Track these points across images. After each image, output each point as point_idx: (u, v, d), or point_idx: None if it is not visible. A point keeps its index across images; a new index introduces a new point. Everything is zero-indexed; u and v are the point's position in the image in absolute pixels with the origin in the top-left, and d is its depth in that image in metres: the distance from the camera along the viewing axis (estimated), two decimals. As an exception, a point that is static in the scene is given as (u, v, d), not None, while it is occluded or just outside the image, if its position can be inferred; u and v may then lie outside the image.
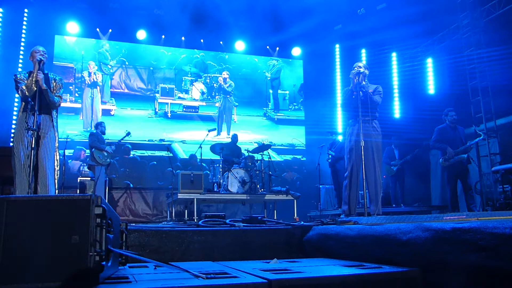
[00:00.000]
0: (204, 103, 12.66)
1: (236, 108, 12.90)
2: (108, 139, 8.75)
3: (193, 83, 12.66)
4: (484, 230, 1.80)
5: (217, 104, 12.77)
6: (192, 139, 8.58)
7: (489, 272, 1.82)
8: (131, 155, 11.52)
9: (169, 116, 12.21)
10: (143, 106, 12.03)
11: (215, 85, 12.83)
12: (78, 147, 10.78)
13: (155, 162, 11.39)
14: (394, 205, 8.82)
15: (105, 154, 8.28)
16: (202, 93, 12.70)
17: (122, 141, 9.12)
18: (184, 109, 12.40)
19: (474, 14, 8.88)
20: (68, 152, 10.03)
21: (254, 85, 13.27)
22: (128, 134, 9.01)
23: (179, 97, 12.43)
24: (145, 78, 12.24)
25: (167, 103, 12.25)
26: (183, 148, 11.75)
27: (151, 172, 11.22)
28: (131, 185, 10.42)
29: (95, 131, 8.71)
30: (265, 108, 13.24)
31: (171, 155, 11.24)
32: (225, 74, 12.87)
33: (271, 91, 13.41)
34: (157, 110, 12.13)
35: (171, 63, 12.53)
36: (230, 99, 12.84)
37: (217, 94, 12.82)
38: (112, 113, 11.75)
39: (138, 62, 12.24)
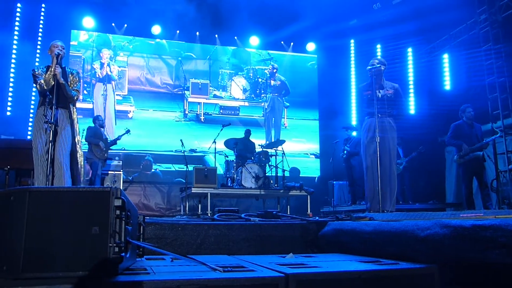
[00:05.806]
0: (246, 103, 10.33)
1: (286, 110, 10.39)
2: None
3: (233, 78, 10.38)
4: (505, 228, 1.80)
5: (263, 105, 10.33)
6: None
7: (508, 269, 1.81)
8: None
9: (202, 119, 9.98)
10: (169, 107, 9.82)
11: (260, 80, 10.33)
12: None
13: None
14: (400, 202, 8.72)
15: (103, 150, 7.94)
16: (244, 90, 10.38)
17: (119, 140, 8.18)
18: (221, 111, 10.14)
19: (491, 9, 8.74)
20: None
21: (308, 80, 10.70)
22: (128, 131, 8.14)
23: (215, 96, 10.15)
24: (172, 71, 9.95)
25: (199, 103, 10.03)
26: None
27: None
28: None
29: (93, 125, 8.12)
30: (323, 110, 10.76)
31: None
32: (274, 66, 10.43)
33: (331, 87, 10.71)
34: (186, 112, 9.96)
35: (205, 53, 9.92)
36: (280, 99, 10.34)
37: (263, 91, 10.29)
38: (130, 115, 9.66)
39: (162, 51, 9.84)
